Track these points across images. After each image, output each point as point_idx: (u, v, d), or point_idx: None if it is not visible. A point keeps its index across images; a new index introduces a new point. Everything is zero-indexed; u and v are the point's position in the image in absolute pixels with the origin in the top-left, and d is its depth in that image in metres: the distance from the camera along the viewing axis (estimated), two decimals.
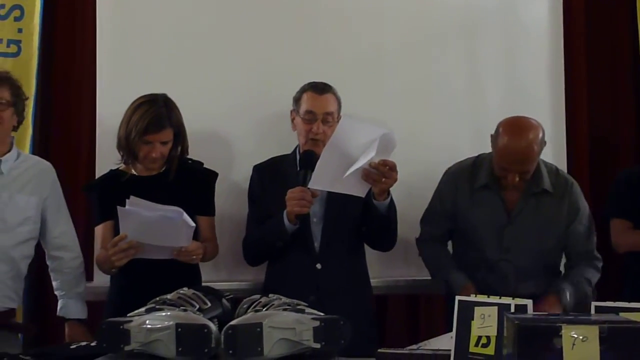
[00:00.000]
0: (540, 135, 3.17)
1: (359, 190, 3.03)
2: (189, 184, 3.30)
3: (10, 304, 3.11)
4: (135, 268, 3.15)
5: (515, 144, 3.14)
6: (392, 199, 3.14)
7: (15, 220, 3.10)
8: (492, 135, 3.26)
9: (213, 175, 3.40)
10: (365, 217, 3.21)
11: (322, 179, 2.98)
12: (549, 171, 3.33)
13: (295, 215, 3.08)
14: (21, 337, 3.42)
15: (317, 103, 3.30)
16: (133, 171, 3.32)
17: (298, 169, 3.20)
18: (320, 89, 3.33)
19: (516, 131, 3.17)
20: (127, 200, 2.89)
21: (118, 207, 2.90)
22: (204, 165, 3.40)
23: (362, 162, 2.89)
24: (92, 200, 3.37)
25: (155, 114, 3.19)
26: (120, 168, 3.36)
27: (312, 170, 3.00)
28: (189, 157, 3.37)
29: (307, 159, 3.15)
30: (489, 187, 3.31)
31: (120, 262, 2.97)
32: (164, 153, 3.24)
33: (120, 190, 3.22)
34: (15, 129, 3.24)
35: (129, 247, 2.94)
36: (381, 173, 2.96)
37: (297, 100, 3.37)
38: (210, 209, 3.37)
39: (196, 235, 3.24)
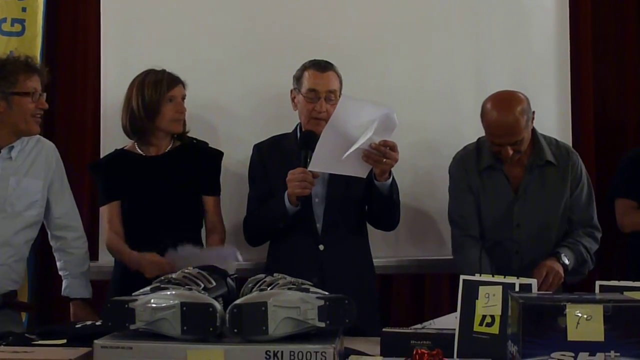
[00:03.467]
0: (525, 105, 3.18)
1: (360, 171, 3.01)
2: (194, 164, 3.31)
3: (13, 286, 3.12)
4: (140, 248, 3.17)
5: (499, 117, 3.16)
6: (393, 179, 3.13)
7: (22, 205, 3.08)
8: (480, 115, 3.26)
9: (218, 154, 3.40)
10: (367, 197, 3.20)
11: (322, 161, 2.96)
12: (548, 143, 3.34)
13: (297, 196, 3.08)
14: (26, 317, 3.43)
15: (319, 81, 3.26)
16: (139, 151, 3.33)
17: (299, 148, 3.17)
18: (322, 66, 3.29)
19: (499, 104, 3.19)
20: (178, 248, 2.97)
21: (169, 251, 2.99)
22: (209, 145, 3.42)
23: (361, 142, 2.87)
24: (98, 180, 3.38)
25: (167, 74, 3.28)
26: (125, 147, 3.36)
27: (313, 150, 2.98)
28: (193, 137, 3.38)
29: (307, 140, 3.13)
30: (493, 167, 3.31)
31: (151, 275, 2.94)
32: (185, 111, 3.29)
33: (127, 170, 3.25)
34: None
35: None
36: (382, 153, 2.94)
37: (298, 78, 3.33)
38: (216, 189, 3.38)
39: (202, 216, 3.28)
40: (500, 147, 3.20)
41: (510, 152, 3.18)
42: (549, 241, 3.29)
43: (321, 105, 3.23)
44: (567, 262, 3.17)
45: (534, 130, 3.30)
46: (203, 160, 3.36)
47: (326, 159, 2.95)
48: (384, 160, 2.95)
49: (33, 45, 3.74)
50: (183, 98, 3.30)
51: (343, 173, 3.04)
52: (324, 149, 2.92)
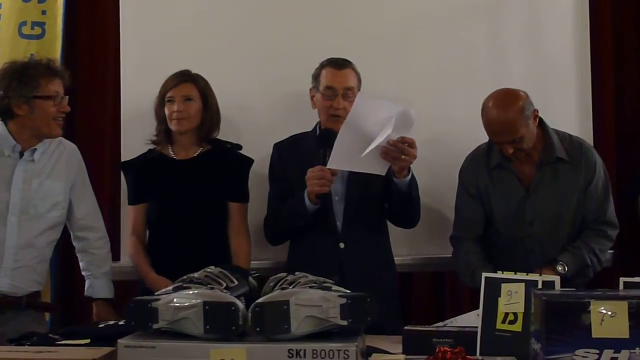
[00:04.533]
0: (524, 102, 3.13)
1: (379, 168, 3.01)
2: (222, 169, 3.34)
3: (36, 287, 3.14)
4: (163, 250, 3.19)
5: (495, 116, 3.14)
6: (413, 176, 3.13)
7: (45, 207, 3.10)
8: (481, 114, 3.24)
9: (248, 161, 3.42)
10: (387, 194, 3.20)
11: (340, 159, 2.97)
12: (561, 139, 3.29)
13: (316, 194, 3.08)
14: (50, 317, 3.46)
15: (336, 78, 3.27)
16: (171, 153, 3.35)
17: (318, 146, 3.18)
18: (339, 64, 3.30)
19: (496, 103, 3.16)
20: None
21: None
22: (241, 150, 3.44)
23: (379, 140, 2.88)
24: (128, 179, 3.43)
25: (177, 72, 3.33)
26: (158, 148, 3.39)
27: (332, 148, 2.99)
28: (227, 140, 3.41)
29: (326, 138, 3.13)
30: (502, 166, 3.29)
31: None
32: (189, 111, 3.28)
33: (157, 172, 3.29)
34: None
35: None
36: (400, 150, 2.94)
37: (316, 77, 3.34)
38: (242, 196, 3.40)
39: (227, 222, 3.30)
40: (500, 145, 3.19)
41: (511, 150, 3.16)
42: (564, 238, 3.25)
43: (339, 102, 3.23)
44: (564, 271, 3.13)
45: (545, 126, 3.28)
46: (231, 167, 3.37)
47: (344, 157, 2.96)
48: (403, 157, 2.96)
49: (53, 48, 3.77)
50: (188, 99, 3.30)
51: (361, 170, 3.05)
52: (342, 147, 2.93)
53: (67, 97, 3.10)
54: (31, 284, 3.10)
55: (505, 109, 3.12)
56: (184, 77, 3.33)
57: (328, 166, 3.02)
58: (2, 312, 3.02)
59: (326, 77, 3.29)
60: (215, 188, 3.31)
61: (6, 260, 3.02)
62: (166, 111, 3.30)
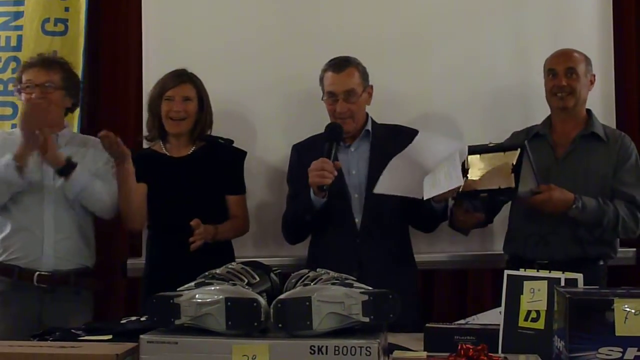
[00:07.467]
0: (586, 57, 3.35)
1: (419, 194, 3.00)
2: (217, 164, 3.35)
3: (82, 261, 3.25)
4: (163, 247, 3.20)
5: (560, 49, 3.37)
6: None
7: (76, 189, 3.18)
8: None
9: (241, 154, 3.44)
10: (416, 208, 3.14)
11: (387, 184, 3.01)
12: (604, 126, 3.37)
13: (319, 186, 3.04)
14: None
15: (336, 82, 3.25)
16: (164, 151, 3.37)
17: (324, 139, 3.15)
18: (338, 66, 3.27)
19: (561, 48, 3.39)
20: None
21: None
22: (235, 144, 3.45)
23: (446, 188, 2.92)
24: None
25: (176, 72, 3.34)
26: (151, 147, 3.40)
27: (337, 142, 3.07)
28: (219, 136, 3.42)
29: (332, 132, 3.14)
30: (540, 133, 3.34)
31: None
32: (188, 111, 3.30)
33: (151, 170, 3.30)
34: (70, 110, 3.37)
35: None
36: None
37: (320, 80, 3.34)
38: (239, 188, 3.42)
39: (226, 217, 3.31)
40: (554, 80, 3.27)
41: (564, 82, 3.24)
42: None
43: (341, 107, 3.23)
44: (580, 208, 3.12)
45: (590, 111, 3.36)
46: (225, 160, 3.39)
47: (391, 183, 3.01)
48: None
49: (76, 45, 3.80)
50: (187, 99, 3.31)
51: (403, 195, 3.05)
52: (392, 174, 3.00)
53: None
54: (75, 257, 3.21)
55: (568, 48, 3.37)
56: (183, 78, 3.34)
57: (375, 191, 3.04)
58: (51, 290, 3.14)
59: (326, 82, 3.29)
60: (213, 183, 3.32)
61: (47, 234, 3.15)
62: (163, 108, 3.31)
